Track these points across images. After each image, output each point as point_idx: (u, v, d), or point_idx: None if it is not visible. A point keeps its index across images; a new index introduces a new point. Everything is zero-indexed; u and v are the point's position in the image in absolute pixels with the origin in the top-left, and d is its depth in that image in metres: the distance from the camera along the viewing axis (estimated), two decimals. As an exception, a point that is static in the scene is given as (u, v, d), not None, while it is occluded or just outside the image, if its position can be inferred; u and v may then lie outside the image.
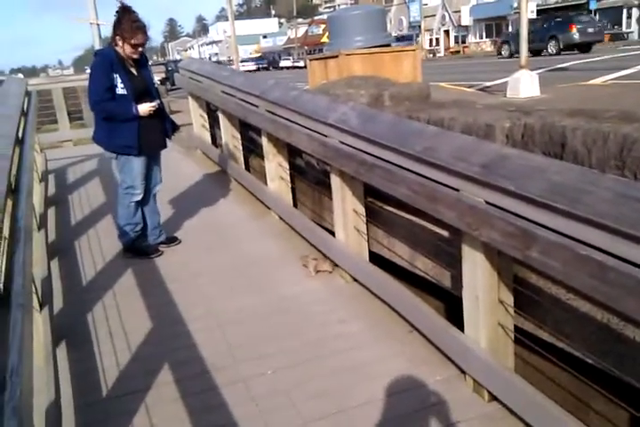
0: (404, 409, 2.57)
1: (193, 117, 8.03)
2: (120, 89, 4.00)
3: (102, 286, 4.03)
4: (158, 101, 4.22)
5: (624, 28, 35.85)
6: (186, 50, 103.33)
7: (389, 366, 2.90)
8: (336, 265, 4.01)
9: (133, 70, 4.11)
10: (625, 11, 35.56)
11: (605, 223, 1.81)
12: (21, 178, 3.79)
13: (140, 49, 4.07)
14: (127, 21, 3.92)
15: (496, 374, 2.51)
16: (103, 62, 3.99)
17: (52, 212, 5.79)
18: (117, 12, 3.95)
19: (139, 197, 4.32)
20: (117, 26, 3.93)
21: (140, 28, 3.96)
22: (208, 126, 7.62)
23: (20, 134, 4.85)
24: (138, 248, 4.51)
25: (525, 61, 7.99)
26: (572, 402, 2.89)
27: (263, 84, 5.11)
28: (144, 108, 4.08)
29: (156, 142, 4.34)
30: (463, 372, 2.74)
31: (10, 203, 3.13)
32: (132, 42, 3.95)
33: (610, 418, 2.86)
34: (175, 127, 4.55)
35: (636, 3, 34.38)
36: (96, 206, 5.86)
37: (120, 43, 3.96)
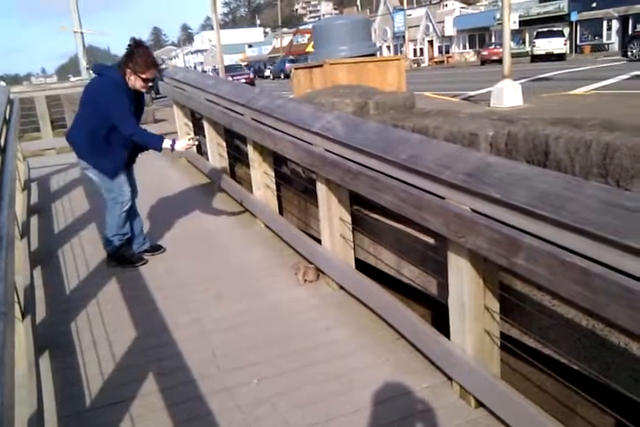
0: (391, 417, 2.56)
1: (178, 126, 8.01)
2: None
3: (86, 295, 3.99)
4: (198, 137, 4.28)
5: (604, 40, 36.40)
6: (171, 59, 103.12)
7: (376, 374, 2.89)
8: (322, 273, 4.00)
9: (134, 98, 4.14)
10: (605, 22, 36.10)
11: (589, 230, 1.82)
12: (3, 186, 3.74)
13: (150, 83, 4.13)
14: (141, 56, 3.94)
15: (482, 380, 2.51)
16: (122, 89, 3.98)
17: (34, 220, 5.74)
18: (129, 45, 3.98)
19: (129, 205, 4.31)
20: (130, 58, 3.94)
21: (154, 63, 4.02)
22: (193, 134, 7.60)
23: (1, 142, 4.80)
24: (122, 256, 4.48)
25: (509, 71, 8.09)
26: (558, 408, 2.90)
27: (249, 93, 5.12)
28: (182, 145, 4.11)
29: (133, 157, 4.38)
30: (450, 379, 2.74)
31: (-8, 211, 3.09)
32: (144, 76, 3.98)
33: (596, 424, 2.87)
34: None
35: (616, 15, 34.93)
36: (79, 214, 5.81)
37: (132, 76, 3.97)
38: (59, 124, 10.34)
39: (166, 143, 4.04)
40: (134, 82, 4.00)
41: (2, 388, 1.69)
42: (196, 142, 4.21)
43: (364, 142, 3.18)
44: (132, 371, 3.06)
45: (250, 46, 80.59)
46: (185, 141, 4.12)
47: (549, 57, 28.74)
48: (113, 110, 3.95)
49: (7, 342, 2.01)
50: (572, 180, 2.15)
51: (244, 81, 31.88)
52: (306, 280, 3.99)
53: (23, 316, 3.26)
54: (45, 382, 2.92)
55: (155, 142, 4.06)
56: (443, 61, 46.62)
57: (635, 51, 19.90)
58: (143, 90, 4.14)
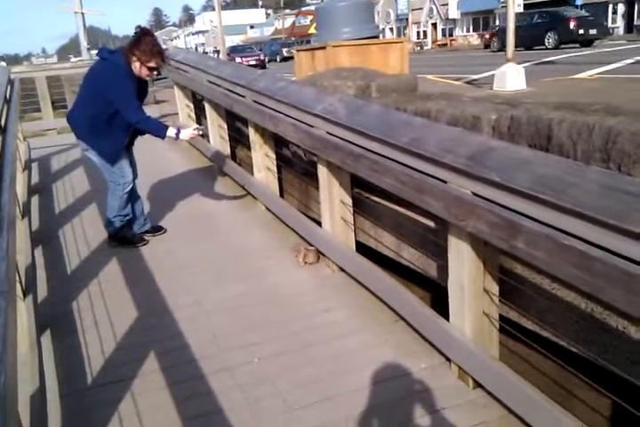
0: (389, 397, 2.59)
1: (179, 107, 7.99)
2: None
3: (87, 275, 4.02)
4: (203, 127, 4.26)
5: (610, 24, 36.01)
6: (172, 40, 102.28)
7: (375, 355, 2.92)
8: (323, 255, 4.02)
9: (138, 84, 4.11)
10: (611, 6, 35.69)
11: (590, 214, 1.83)
12: (4, 166, 3.74)
13: (155, 72, 4.11)
14: (147, 44, 3.91)
15: (481, 362, 2.53)
16: (128, 76, 3.96)
17: (35, 200, 5.75)
18: (136, 32, 3.97)
19: (130, 186, 4.32)
20: (135, 46, 3.91)
21: (160, 52, 3.99)
22: (194, 116, 7.59)
23: (2, 123, 4.79)
24: (123, 237, 4.49)
25: (512, 55, 8.04)
26: (555, 389, 2.94)
27: (250, 74, 5.09)
28: (187, 134, 4.10)
29: (132, 139, 4.37)
30: (448, 360, 2.77)
31: (-7, 191, 3.10)
32: (150, 65, 3.96)
33: (592, 405, 2.91)
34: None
35: (622, -2, 34.54)
36: (80, 195, 5.82)
37: (137, 64, 3.95)
38: (59, 105, 10.30)
39: (171, 132, 4.03)
40: (139, 69, 3.97)
41: (5, 366, 1.71)
42: (201, 132, 4.20)
43: (366, 125, 3.17)
44: (133, 350, 3.09)
45: (252, 27, 79.92)
46: (190, 131, 4.11)
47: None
48: (117, 97, 3.93)
49: (9, 321, 2.02)
50: (574, 164, 2.15)
51: (253, 63, 30.20)
52: (306, 262, 4.00)
53: (25, 295, 3.27)
54: (47, 360, 2.95)
55: (159, 131, 4.05)
56: (446, 44, 46.20)
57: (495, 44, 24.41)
58: (148, 78, 4.12)
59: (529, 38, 21.58)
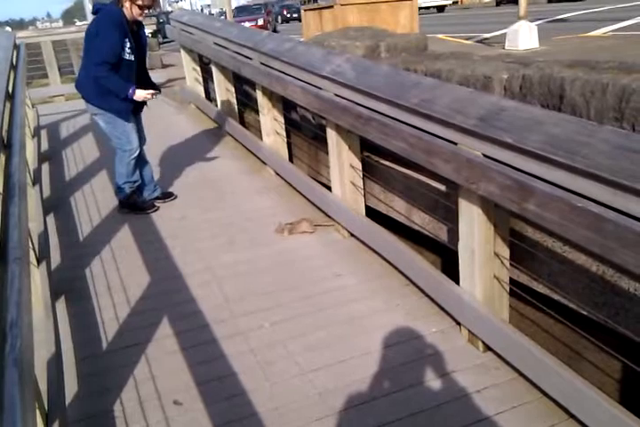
0: (400, 360, 2.61)
1: (186, 71, 7.88)
2: (127, 54, 3.96)
3: (99, 242, 4.04)
4: (158, 91, 4.24)
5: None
6: (177, 1, 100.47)
7: (386, 319, 2.94)
8: (333, 220, 4.01)
9: (133, 33, 4.02)
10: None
11: (603, 175, 1.80)
12: (13, 133, 3.72)
13: (147, 11, 3.99)
14: None
15: (491, 325, 2.54)
16: (115, 23, 3.86)
17: (45, 167, 5.74)
18: None
19: (137, 152, 4.29)
20: None
21: None
22: (201, 80, 7.49)
23: (9, 89, 4.75)
24: (134, 203, 4.50)
25: (524, 12, 7.83)
26: (565, 352, 2.95)
27: (257, 36, 5.00)
28: (140, 95, 4.05)
29: (141, 104, 4.31)
30: (458, 324, 2.78)
31: (3, 158, 3.10)
32: (140, 3, 3.86)
33: (602, 368, 2.92)
34: (157, 90, 4.42)
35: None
36: (90, 162, 5.82)
37: (127, 4, 3.85)
38: (67, 71, 10.19)
39: (127, 91, 4.00)
40: (131, 10, 3.88)
41: (20, 329, 1.73)
42: (155, 97, 4.19)
43: (375, 86, 3.11)
44: (146, 315, 3.13)
45: (258, -13, 78.13)
46: (145, 92, 4.07)
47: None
48: (98, 43, 3.85)
49: (23, 287, 2.05)
50: (587, 124, 2.11)
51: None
52: (292, 233, 3.97)
53: (38, 262, 3.31)
54: (62, 325, 2.99)
55: (118, 91, 4.00)
56: (457, 2, 45.03)
57: None
58: (140, 18, 4.00)
59: None
